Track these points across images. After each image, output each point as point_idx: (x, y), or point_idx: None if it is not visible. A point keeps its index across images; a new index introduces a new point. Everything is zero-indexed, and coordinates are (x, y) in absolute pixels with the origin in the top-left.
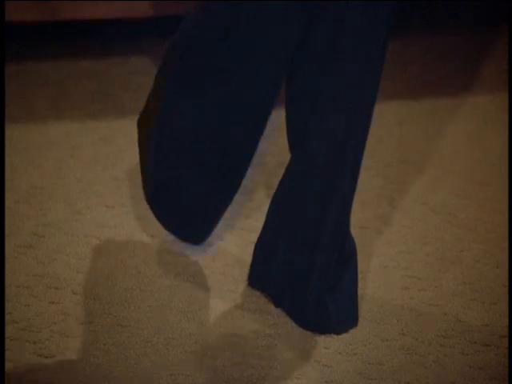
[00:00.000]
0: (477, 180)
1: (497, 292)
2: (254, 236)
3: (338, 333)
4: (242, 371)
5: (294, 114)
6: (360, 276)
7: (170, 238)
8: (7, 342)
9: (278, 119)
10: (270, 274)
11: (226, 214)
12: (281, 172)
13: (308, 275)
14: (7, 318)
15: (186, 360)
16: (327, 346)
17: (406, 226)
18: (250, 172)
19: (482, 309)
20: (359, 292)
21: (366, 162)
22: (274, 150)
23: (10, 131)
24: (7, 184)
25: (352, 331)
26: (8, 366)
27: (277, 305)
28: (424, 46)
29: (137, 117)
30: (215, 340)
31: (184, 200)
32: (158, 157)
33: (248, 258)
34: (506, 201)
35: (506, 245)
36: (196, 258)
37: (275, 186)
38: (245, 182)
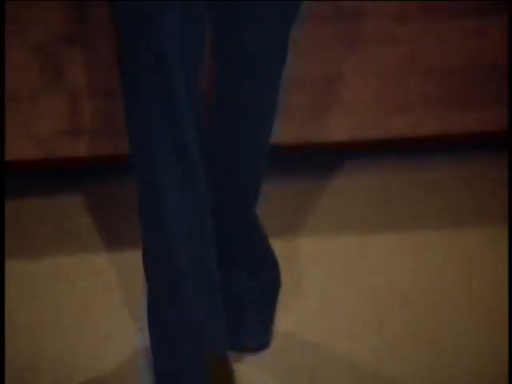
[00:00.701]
0: (467, 313)
1: None
2: None
3: None
4: None
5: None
6: None
7: None
8: None
9: None
10: None
11: None
12: None
13: None
14: None
15: None
16: None
17: (396, 358)
18: None
19: None
20: None
21: (355, 291)
22: None
23: (9, 265)
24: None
25: None
26: None
27: None
28: (413, 180)
29: (130, 249)
30: None
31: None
32: None
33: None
34: (492, 332)
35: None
36: None
37: None
38: None
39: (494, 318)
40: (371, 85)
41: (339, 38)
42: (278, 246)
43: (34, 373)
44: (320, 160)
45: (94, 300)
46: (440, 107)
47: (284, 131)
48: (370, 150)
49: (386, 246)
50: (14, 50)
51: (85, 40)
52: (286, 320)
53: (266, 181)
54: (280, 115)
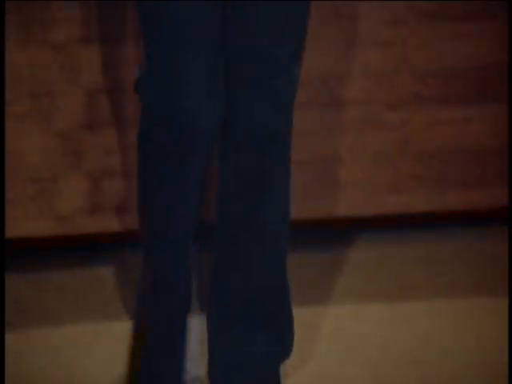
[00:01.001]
0: (456, 380)
1: None
2: None
3: None
4: None
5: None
6: None
7: None
8: None
9: None
10: None
11: None
12: None
13: None
14: None
15: None
16: None
17: None
18: None
19: None
20: None
21: (352, 357)
22: None
23: (29, 333)
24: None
25: None
26: None
27: None
28: (405, 254)
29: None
30: None
31: None
32: None
33: None
34: None
35: None
36: None
37: None
38: None
39: None
40: (366, 166)
41: (336, 123)
42: None
43: None
44: (317, 235)
45: (112, 367)
46: (430, 187)
47: None
48: (365, 226)
49: (379, 314)
50: (37, 136)
51: (101, 126)
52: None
53: None
54: None
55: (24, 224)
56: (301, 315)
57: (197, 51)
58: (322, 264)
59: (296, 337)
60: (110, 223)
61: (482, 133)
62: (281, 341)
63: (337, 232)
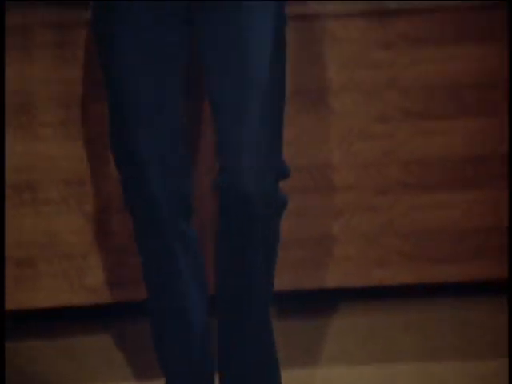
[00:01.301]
0: None
1: None
2: None
3: None
4: None
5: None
6: None
7: None
8: None
9: None
10: None
11: None
12: None
13: None
14: None
15: None
16: None
17: None
18: None
19: None
20: None
21: None
22: None
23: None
24: None
25: None
26: None
27: None
28: (393, 321)
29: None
30: None
31: None
32: None
33: None
34: None
35: None
36: None
37: None
38: None
39: None
40: (356, 244)
41: (331, 206)
42: None
43: None
44: (311, 304)
45: None
46: (415, 262)
47: (283, 280)
48: (356, 296)
49: (368, 377)
50: (71, 218)
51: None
52: None
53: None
54: (278, 266)
55: (53, 295)
56: (297, 377)
57: (157, 134)
58: (315, 331)
59: None
60: (126, 294)
61: (465, 215)
62: None
63: (329, 302)
